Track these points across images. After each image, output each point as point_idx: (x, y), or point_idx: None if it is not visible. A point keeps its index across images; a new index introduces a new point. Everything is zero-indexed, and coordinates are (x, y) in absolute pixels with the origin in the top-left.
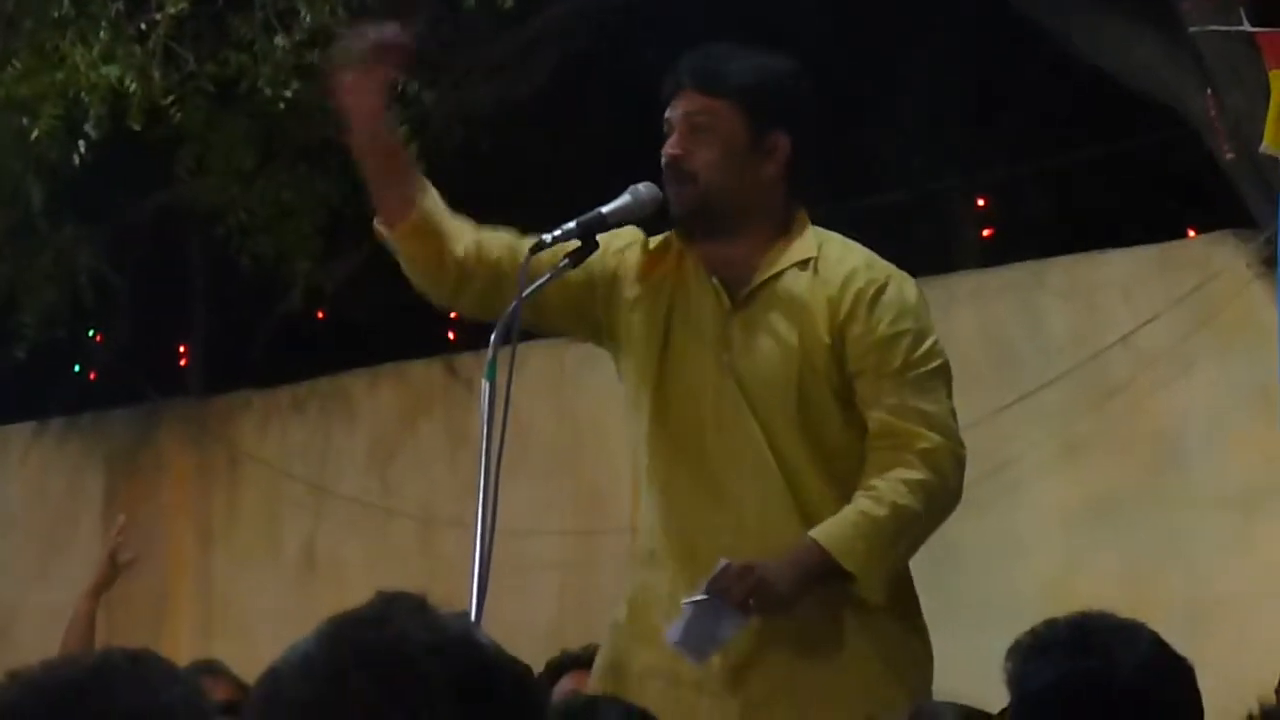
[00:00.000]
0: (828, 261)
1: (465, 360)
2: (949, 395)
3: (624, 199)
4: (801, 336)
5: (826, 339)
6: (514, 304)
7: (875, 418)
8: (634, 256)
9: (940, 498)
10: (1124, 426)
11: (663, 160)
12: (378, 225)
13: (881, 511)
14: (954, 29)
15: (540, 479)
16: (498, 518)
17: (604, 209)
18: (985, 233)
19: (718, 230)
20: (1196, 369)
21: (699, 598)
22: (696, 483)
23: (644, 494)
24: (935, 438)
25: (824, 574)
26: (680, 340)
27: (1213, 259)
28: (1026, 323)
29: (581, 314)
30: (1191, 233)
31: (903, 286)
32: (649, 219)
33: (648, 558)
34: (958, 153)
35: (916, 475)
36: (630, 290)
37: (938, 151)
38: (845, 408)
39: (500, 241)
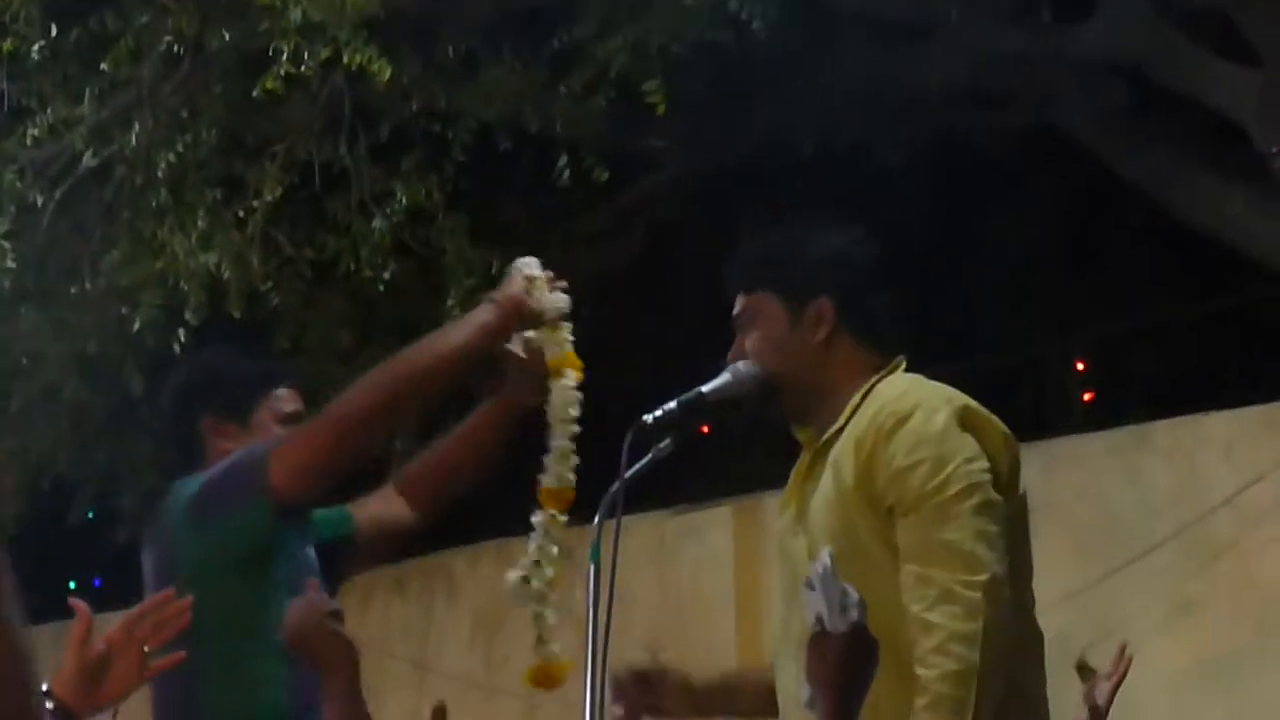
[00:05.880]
0: (869, 404)
1: (567, 535)
2: (985, 516)
3: (724, 377)
4: (835, 486)
5: (851, 482)
6: (617, 485)
7: (903, 568)
8: None
9: (969, 637)
10: (1232, 587)
11: None
12: None
13: (925, 700)
14: (1047, 190)
15: (642, 651)
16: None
17: (704, 388)
18: (1086, 396)
19: (805, 408)
20: None
21: None
22: (783, 648)
23: None
24: (948, 577)
25: None
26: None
27: None
28: (1131, 485)
29: None
30: None
31: (931, 415)
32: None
33: None
34: (1056, 314)
35: (938, 639)
36: None
37: (1035, 313)
38: (893, 550)
39: None
